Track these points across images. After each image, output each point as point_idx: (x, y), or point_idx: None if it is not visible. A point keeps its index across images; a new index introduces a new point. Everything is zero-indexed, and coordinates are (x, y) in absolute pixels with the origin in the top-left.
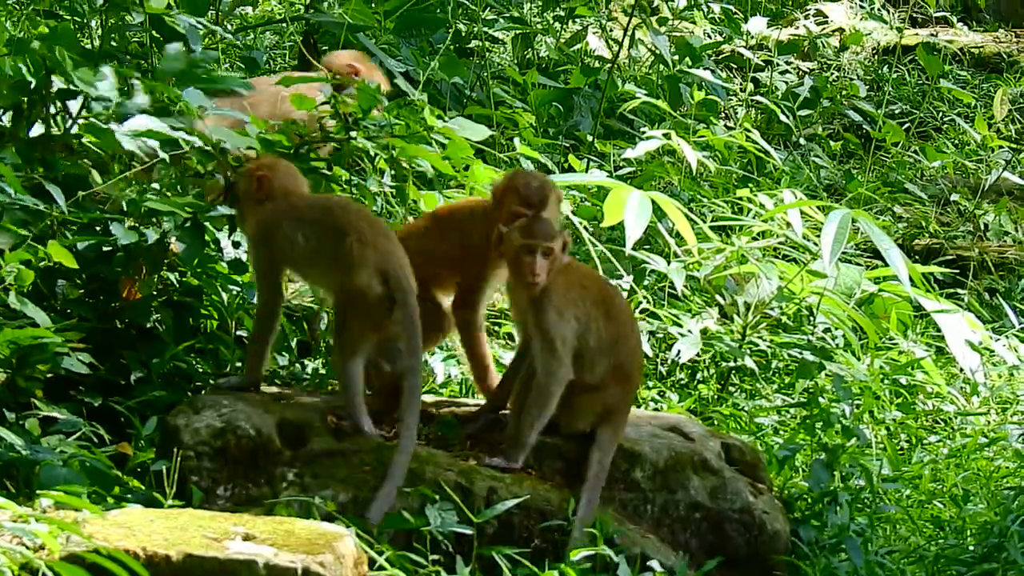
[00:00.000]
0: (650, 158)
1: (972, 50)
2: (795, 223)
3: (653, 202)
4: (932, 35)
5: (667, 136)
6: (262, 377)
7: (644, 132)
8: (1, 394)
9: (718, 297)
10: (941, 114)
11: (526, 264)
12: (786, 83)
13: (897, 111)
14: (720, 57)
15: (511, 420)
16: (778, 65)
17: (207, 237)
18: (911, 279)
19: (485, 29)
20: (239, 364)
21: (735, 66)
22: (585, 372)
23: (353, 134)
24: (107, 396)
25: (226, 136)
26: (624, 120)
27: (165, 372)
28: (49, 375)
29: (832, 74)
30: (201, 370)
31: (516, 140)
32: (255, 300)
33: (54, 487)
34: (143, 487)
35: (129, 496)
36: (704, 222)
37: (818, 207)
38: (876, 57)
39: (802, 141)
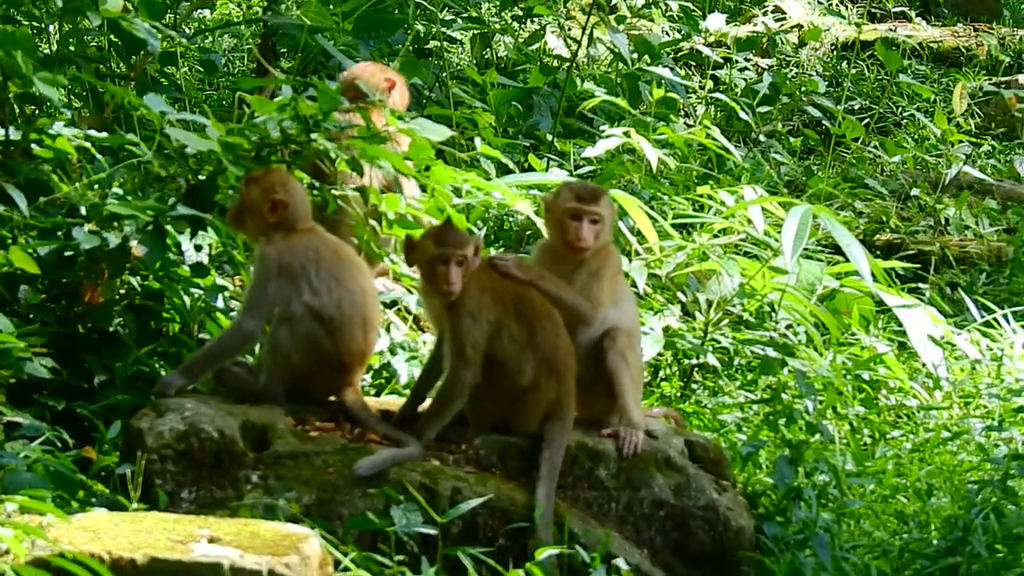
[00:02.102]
0: (610, 156)
1: (931, 45)
2: (756, 219)
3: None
4: (891, 30)
5: (627, 134)
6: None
7: (604, 131)
8: None
9: (680, 295)
10: (900, 109)
11: (440, 273)
12: (745, 80)
13: (856, 107)
14: (679, 55)
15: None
16: (736, 62)
17: (168, 241)
18: (873, 274)
19: (443, 29)
20: None
21: (694, 64)
22: (516, 375)
23: (314, 136)
24: (70, 400)
25: (187, 139)
26: (583, 119)
27: (128, 376)
28: (11, 380)
29: (791, 70)
30: (164, 373)
31: (476, 140)
32: (217, 303)
33: (18, 492)
34: (107, 491)
35: (93, 500)
36: (665, 220)
37: (779, 203)
38: (835, 53)
39: (761, 138)
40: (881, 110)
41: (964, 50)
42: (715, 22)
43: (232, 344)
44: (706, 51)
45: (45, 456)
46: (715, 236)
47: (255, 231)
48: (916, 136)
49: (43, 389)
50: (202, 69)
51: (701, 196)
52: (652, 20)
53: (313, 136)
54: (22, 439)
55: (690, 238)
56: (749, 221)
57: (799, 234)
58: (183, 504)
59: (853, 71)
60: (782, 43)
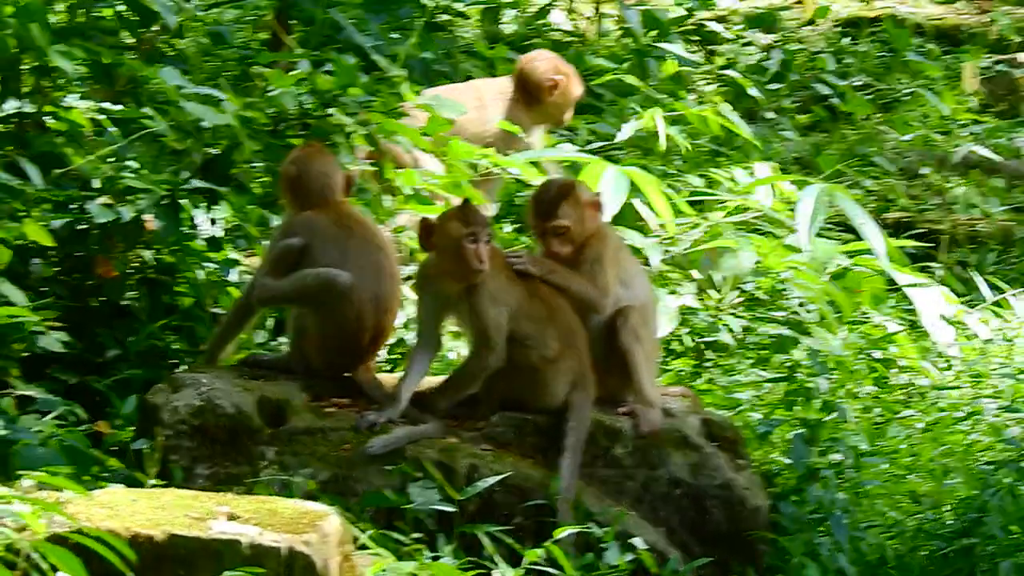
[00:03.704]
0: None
1: (933, 22)
2: (764, 198)
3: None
4: (893, 7)
5: (649, 116)
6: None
7: (613, 107)
8: None
9: (694, 273)
10: (904, 86)
11: (470, 253)
12: (750, 56)
13: (858, 84)
14: (683, 30)
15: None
16: (741, 38)
17: (183, 215)
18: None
19: (452, 4)
20: None
21: (700, 40)
22: (542, 349)
23: (331, 111)
24: (82, 374)
25: (203, 113)
26: (591, 94)
27: (141, 350)
28: (24, 353)
29: (796, 47)
30: (177, 348)
31: None
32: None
33: (32, 467)
34: (122, 466)
35: (107, 475)
36: (679, 197)
37: (793, 182)
38: (838, 30)
39: (768, 115)
40: (885, 87)
41: (965, 28)
42: None
43: (240, 317)
44: (718, 28)
45: (59, 431)
46: (730, 214)
47: (285, 205)
48: (920, 114)
49: (55, 363)
50: (208, 40)
51: (715, 173)
52: None
53: (330, 111)
54: (34, 413)
55: (704, 216)
56: (788, 202)
57: (815, 213)
58: (198, 480)
59: (860, 49)
60: (779, 19)
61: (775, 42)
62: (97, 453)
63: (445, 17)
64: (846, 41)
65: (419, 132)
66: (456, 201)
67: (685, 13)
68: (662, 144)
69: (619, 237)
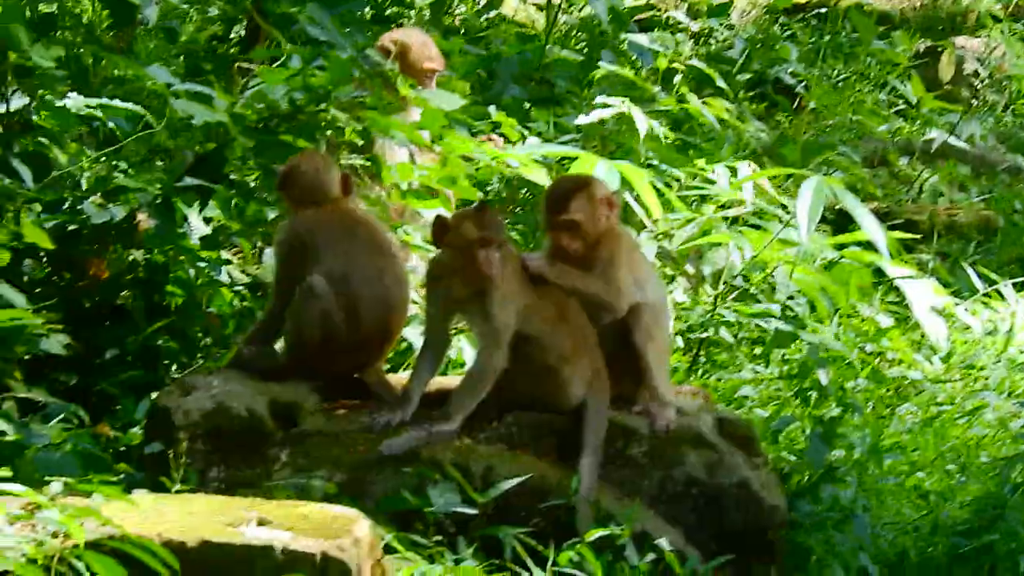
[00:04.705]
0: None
1: (870, 7)
2: (747, 195)
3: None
4: None
5: (623, 103)
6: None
7: (574, 99)
8: None
9: (688, 267)
10: (869, 76)
11: (481, 258)
12: (715, 41)
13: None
14: (642, 19)
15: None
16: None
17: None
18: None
19: None
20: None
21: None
22: (554, 349)
23: (323, 106)
24: (81, 376)
25: (195, 110)
26: (549, 86)
27: (138, 351)
28: (25, 356)
29: (720, 34)
30: (174, 348)
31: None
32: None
33: (48, 473)
34: (131, 470)
35: (116, 479)
36: (670, 191)
37: (788, 175)
38: (768, 16)
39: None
40: (847, 74)
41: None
42: None
43: (267, 332)
44: (681, 18)
45: (70, 435)
46: (722, 208)
47: (284, 207)
48: (888, 102)
49: (53, 364)
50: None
51: (697, 168)
52: None
53: (322, 106)
54: (38, 417)
55: (700, 211)
56: (763, 193)
57: (814, 206)
58: (211, 483)
59: (824, 38)
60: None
61: (700, 29)
62: (106, 457)
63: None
64: (777, 28)
65: (414, 127)
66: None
67: (643, 3)
68: (641, 134)
69: (633, 237)
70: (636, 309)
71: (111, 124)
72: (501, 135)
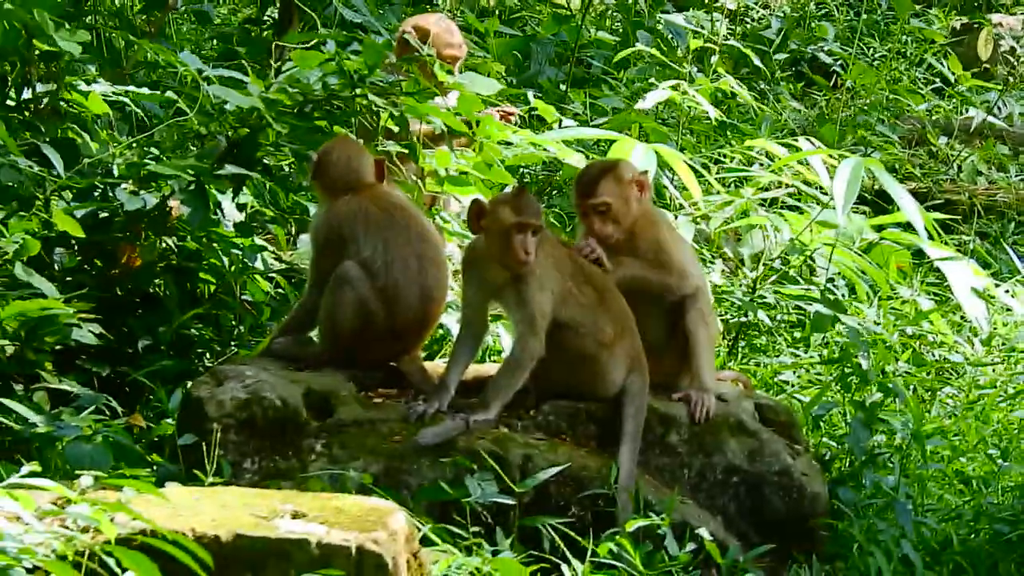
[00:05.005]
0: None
1: None
2: (820, 172)
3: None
4: None
5: (675, 87)
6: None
7: (610, 80)
8: (9, 367)
9: (727, 249)
10: (906, 54)
11: (518, 243)
12: (752, 22)
13: (855, 51)
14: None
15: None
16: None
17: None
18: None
19: None
20: (241, 329)
21: (693, 8)
22: (598, 333)
23: (358, 91)
24: (113, 365)
25: (228, 96)
26: (585, 67)
27: (171, 340)
28: (57, 347)
29: (757, 13)
30: (207, 337)
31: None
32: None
33: (80, 465)
34: (163, 461)
35: (147, 471)
36: (709, 174)
37: (831, 155)
38: None
39: (761, 85)
40: (885, 52)
41: None
42: None
43: (302, 321)
44: None
45: (101, 426)
46: (762, 190)
47: (318, 196)
48: (924, 81)
49: (84, 354)
50: (194, 19)
51: (750, 149)
52: None
53: (358, 91)
54: (70, 407)
55: (739, 192)
56: (797, 174)
57: (851, 186)
58: (246, 475)
59: (864, 16)
60: None
61: (735, 9)
62: (140, 449)
63: None
64: (814, 7)
65: (452, 112)
66: None
67: None
68: (712, 118)
69: (668, 218)
70: (696, 292)
71: (142, 109)
72: (516, 105)
